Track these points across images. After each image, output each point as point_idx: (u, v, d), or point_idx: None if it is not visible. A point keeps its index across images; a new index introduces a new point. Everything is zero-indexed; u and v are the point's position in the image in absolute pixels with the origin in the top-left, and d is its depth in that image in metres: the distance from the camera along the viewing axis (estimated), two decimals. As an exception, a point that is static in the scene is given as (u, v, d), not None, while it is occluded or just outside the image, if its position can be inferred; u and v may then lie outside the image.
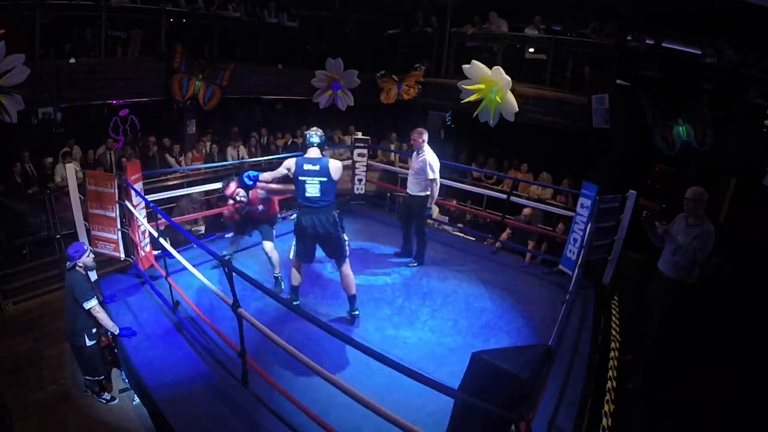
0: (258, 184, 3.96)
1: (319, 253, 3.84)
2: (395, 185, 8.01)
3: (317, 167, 3.54)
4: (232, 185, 4.16)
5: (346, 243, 3.75)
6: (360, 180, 6.68)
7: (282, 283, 4.38)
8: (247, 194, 4.13)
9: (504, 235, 5.86)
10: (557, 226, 6.02)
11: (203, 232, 6.79)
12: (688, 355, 4.36)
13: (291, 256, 3.87)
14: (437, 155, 4.68)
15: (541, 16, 7.57)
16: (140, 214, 4.10)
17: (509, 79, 6.98)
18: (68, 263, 3.58)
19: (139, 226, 4.17)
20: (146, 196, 4.20)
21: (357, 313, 3.95)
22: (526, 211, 5.83)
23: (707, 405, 3.86)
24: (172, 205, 6.46)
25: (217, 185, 5.78)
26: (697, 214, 3.55)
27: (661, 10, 6.84)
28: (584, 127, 6.58)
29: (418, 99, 8.35)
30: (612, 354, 4.06)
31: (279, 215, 4.49)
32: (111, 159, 6.98)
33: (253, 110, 10.33)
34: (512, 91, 7.08)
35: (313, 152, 3.62)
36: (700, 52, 6.44)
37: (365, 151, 6.57)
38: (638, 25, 6.82)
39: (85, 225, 4.30)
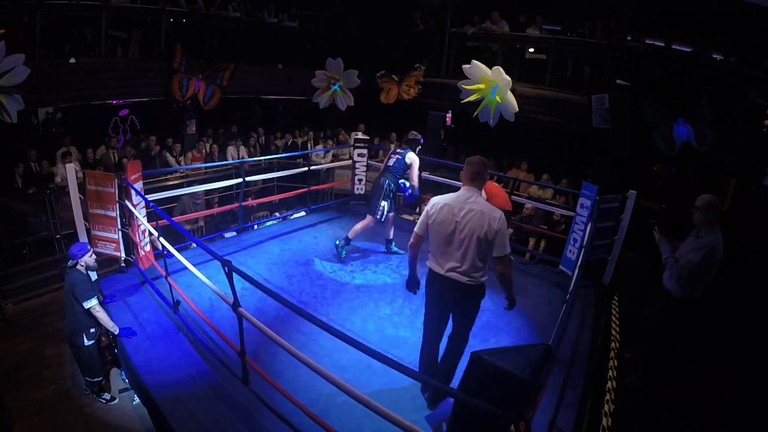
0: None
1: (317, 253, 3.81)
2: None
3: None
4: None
5: (381, 211, 4.77)
6: (360, 180, 6.64)
7: None
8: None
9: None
10: (552, 216, 6.15)
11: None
12: (689, 354, 4.36)
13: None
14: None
15: (541, 16, 7.56)
16: (140, 214, 4.10)
17: (509, 79, 6.98)
18: (69, 262, 3.58)
19: (139, 226, 4.16)
20: (146, 196, 4.19)
21: (396, 250, 5.14)
22: (527, 206, 5.94)
23: (707, 404, 3.86)
24: (172, 204, 6.46)
25: (218, 184, 5.78)
26: (704, 223, 3.30)
27: (661, 11, 6.84)
28: (584, 127, 6.58)
29: (418, 99, 8.34)
30: (612, 354, 4.06)
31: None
32: (112, 159, 6.98)
33: (253, 110, 10.33)
34: (512, 91, 7.08)
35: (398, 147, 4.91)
36: (700, 51, 6.44)
37: (365, 151, 6.54)
38: (638, 24, 6.81)
39: (85, 225, 4.29)
